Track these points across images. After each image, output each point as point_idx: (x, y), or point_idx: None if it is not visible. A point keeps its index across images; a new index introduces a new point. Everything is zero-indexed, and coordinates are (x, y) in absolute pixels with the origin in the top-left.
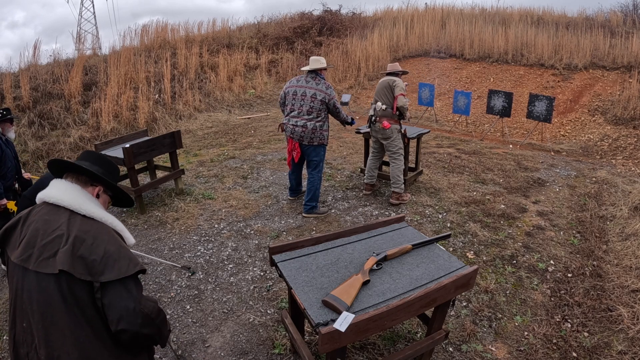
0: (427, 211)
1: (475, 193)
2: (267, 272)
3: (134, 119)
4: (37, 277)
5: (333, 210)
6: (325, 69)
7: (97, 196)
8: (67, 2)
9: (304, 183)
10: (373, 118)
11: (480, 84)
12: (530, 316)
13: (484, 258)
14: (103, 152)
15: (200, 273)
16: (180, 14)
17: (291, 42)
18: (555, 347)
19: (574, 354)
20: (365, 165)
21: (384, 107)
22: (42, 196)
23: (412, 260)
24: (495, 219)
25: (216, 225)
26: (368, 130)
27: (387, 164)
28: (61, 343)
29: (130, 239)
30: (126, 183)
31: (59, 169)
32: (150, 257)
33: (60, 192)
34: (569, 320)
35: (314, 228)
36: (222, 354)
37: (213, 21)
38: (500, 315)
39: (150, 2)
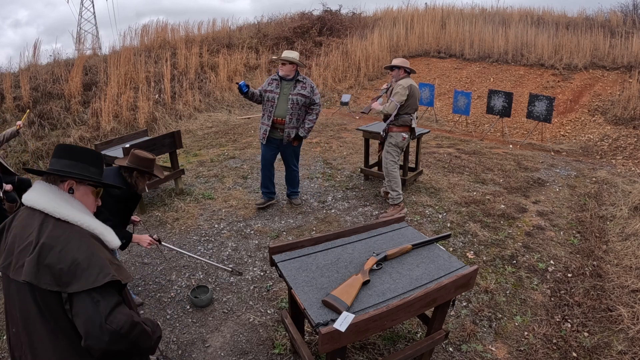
0: (427, 211)
1: (475, 193)
2: (267, 272)
3: (134, 119)
4: (17, 286)
5: (333, 210)
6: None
7: (71, 190)
8: (67, 2)
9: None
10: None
11: (480, 84)
12: (530, 316)
13: (484, 258)
14: (103, 152)
15: (200, 273)
16: (184, 14)
17: (291, 42)
18: (555, 347)
19: (574, 354)
20: (365, 166)
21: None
22: (23, 199)
23: (412, 260)
24: (495, 219)
25: (216, 225)
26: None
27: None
28: (43, 350)
29: (113, 241)
30: None
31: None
32: (199, 258)
33: (37, 194)
34: (569, 320)
35: (314, 228)
36: (222, 354)
37: (213, 21)
38: (500, 315)
39: (155, 2)
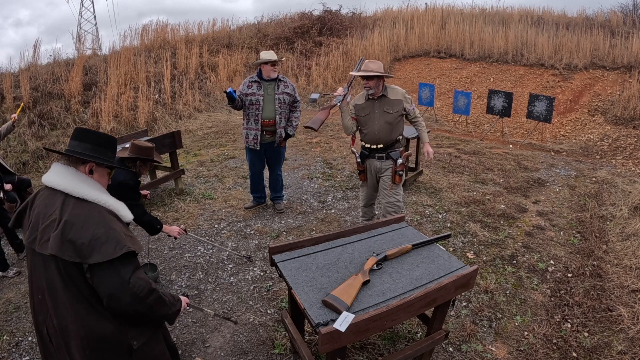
0: (427, 211)
1: (475, 193)
2: (267, 272)
3: (134, 119)
4: (42, 258)
5: (333, 210)
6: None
7: (91, 172)
8: (67, 2)
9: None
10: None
11: (480, 84)
12: (530, 316)
13: (484, 258)
14: None
15: (200, 273)
16: (186, 14)
17: (291, 42)
18: (555, 347)
19: (574, 354)
20: None
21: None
22: (43, 180)
23: (412, 260)
24: (495, 219)
25: (216, 225)
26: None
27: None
28: (66, 313)
29: (127, 216)
30: None
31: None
32: (212, 243)
33: (56, 175)
34: (569, 320)
35: (314, 228)
36: (222, 354)
37: (213, 21)
38: (500, 315)
39: (157, 1)
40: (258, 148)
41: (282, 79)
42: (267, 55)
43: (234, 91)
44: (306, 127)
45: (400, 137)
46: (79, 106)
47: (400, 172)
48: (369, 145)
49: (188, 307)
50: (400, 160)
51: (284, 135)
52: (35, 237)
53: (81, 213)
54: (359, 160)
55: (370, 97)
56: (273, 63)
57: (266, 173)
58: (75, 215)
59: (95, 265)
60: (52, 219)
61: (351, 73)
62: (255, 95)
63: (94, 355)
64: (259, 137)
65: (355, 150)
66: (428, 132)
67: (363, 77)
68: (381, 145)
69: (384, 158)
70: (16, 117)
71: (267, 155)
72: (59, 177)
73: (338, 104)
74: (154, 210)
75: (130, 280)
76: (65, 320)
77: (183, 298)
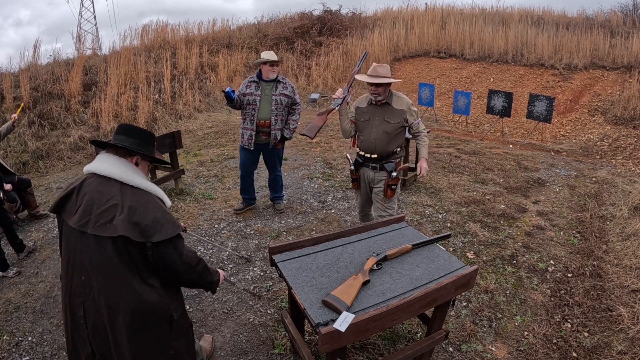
0: (427, 211)
1: (475, 193)
2: (267, 272)
3: (134, 119)
4: (96, 239)
5: (333, 210)
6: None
7: (136, 164)
8: (67, 2)
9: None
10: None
11: (480, 84)
12: (530, 316)
13: (484, 258)
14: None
15: None
16: (186, 14)
17: (291, 42)
18: (555, 347)
19: (574, 354)
20: None
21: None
22: (92, 168)
23: (412, 260)
24: (495, 219)
25: (216, 225)
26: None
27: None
28: (119, 290)
29: (168, 202)
30: None
31: (101, 145)
32: (212, 242)
33: (110, 166)
34: (569, 320)
35: (314, 228)
36: (222, 354)
37: (213, 21)
38: (500, 315)
39: (157, 1)
40: (252, 148)
41: (281, 80)
42: (267, 55)
43: (233, 91)
44: (302, 135)
45: (399, 148)
46: (79, 106)
47: (394, 187)
48: (363, 153)
49: (224, 280)
50: (394, 174)
51: (279, 137)
52: (88, 220)
53: (140, 199)
54: (352, 167)
55: (373, 102)
56: (272, 63)
57: (266, 173)
58: (135, 201)
59: (157, 243)
60: (111, 203)
61: (357, 77)
62: (252, 96)
63: (141, 328)
64: (253, 138)
65: (349, 157)
66: (428, 132)
67: (371, 83)
68: (375, 155)
69: (377, 169)
70: (16, 117)
71: (264, 156)
72: (113, 167)
73: (336, 108)
74: None
75: (183, 253)
76: (117, 296)
77: (220, 271)
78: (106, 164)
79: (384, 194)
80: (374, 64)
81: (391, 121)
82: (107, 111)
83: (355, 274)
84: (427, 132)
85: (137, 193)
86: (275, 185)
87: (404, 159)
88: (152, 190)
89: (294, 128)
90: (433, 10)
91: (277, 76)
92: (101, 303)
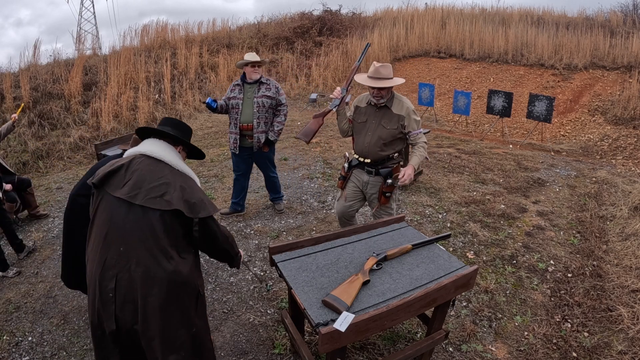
0: (427, 211)
1: (475, 193)
2: (267, 272)
3: (134, 119)
4: (143, 210)
5: (333, 210)
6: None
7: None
8: (68, 2)
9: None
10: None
11: (480, 84)
12: (530, 316)
13: (484, 258)
14: (103, 152)
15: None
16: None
17: (291, 42)
18: (555, 347)
19: (574, 354)
20: None
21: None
22: (142, 150)
23: (412, 260)
24: (495, 219)
25: None
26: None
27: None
28: (159, 260)
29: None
30: None
31: (145, 133)
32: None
33: (162, 150)
34: (569, 320)
35: (314, 228)
36: (222, 354)
37: (213, 21)
38: (500, 315)
39: (158, 1)
40: (237, 152)
41: (264, 81)
42: (248, 56)
43: (214, 100)
44: (296, 138)
45: (397, 154)
46: (79, 106)
47: (388, 194)
48: (357, 157)
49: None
50: (389, 181)
51: (262, 140)
52: (138, 193)
53: (187, 181)
54: (345, 165)
55: (372, 103)
56: (254, 64)
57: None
58: (184, 182)
59: (203, 219)
60: (163, 181)
61: (357, 79)
62: (235, 99)
63: (172, 299)
64: (238, 142)
65: (348, 155)
66: (427, 132)
67: (373, 87)
68: (369, 160)
69: (373, 173)
70: (16, 117)
71: (255, 159)
72: (165, 151)
73: (334, 109)
74: None
75: (220, 226)
76: (156, 267)
77: (240, 250)
78: (158, 148)
79: (378, 201)
80: (375, 63)
81: (387, 126)
82: (107, 111)
83: (355, 274)
84: (427, 132)
85: (184, 176)
86: (272, 186)
87: (405, 157)
88: (192, 175)
89: (278, 130)
90: (433, 10)
91: (261, 77)
92: (137, 274)
